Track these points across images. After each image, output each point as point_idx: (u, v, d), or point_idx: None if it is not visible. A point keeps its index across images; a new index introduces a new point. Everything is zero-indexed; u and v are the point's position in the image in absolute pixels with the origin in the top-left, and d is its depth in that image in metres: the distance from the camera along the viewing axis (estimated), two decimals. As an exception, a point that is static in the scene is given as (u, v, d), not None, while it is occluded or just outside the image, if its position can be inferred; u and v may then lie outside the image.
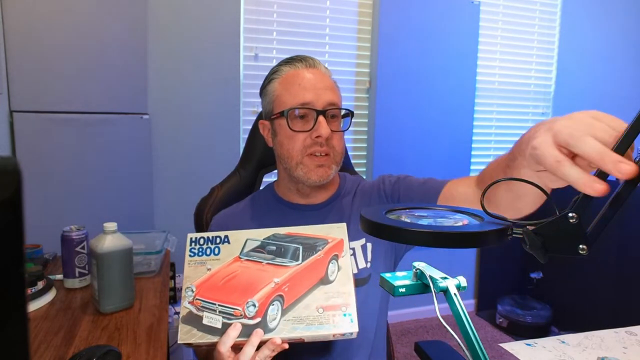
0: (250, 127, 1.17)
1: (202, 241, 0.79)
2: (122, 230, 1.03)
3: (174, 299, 1.79)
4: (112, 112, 1.90)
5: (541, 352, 0.87)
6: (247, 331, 0.69)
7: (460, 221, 0.44)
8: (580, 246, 0.39)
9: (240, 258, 0.77)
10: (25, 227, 0.25)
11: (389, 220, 0.40)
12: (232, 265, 0.76)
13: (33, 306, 1.00)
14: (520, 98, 2.82)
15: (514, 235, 0.41)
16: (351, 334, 0.71)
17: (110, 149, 1.90)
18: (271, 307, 0.71)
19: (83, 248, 1.12)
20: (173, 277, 1.75)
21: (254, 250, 0.78)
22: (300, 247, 0.77)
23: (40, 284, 1.04)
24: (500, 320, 2.56)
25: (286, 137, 0.87)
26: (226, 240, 0.79)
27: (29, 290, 1.01)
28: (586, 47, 2.89)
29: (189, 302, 0.73)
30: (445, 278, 0.53)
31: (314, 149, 0.85)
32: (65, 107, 1.83)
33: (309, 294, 0.73)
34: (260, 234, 0.79)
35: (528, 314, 2.46)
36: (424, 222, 0.42)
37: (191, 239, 0.79)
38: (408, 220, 0.42)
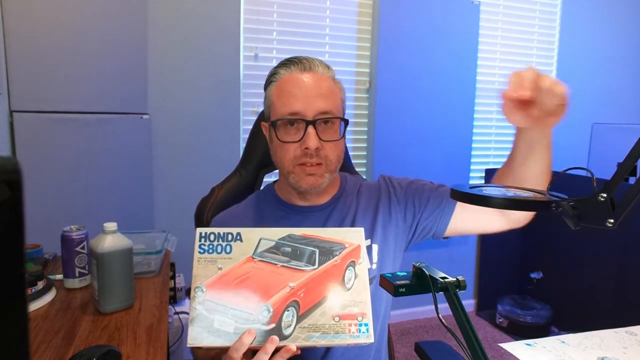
0: (250, 127, 1.17)
1: (212, 237, 0.74)
2: (122, 230, 1.03)
3: (174, 299, 1.79)
4: (112, 112, 1.90)
5: (541, 352, 0.87)
6: (260, 337, 0.67)
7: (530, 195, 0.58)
8: (609, 220, 0.47)
9: (254, 258, 0.73)
10: (25, 227, 0.25)
11: (481, 191, 0.53)
12: (245, 265, 0.73)
13: (33, 306, 1.00)
14: (520, 98, 2.81)
15: (559, 208, 0.51)
16: (365, 343, 0.70)
17: (110, 149, 1.90)
18: (286, 312, 0.68)
19: (83, 248, 1.12)
20: (173, 277, 1.75)
21: (268, 250, 0.74)
22: (317, 251, 0.74)
23: (40, 284, 1.04)
24: (500, 320, 2.56)
25: (278, 146, 0.86)
26: (238, 237, 0.74)
27: (29, 290, 1.01)
28: (586, 47, 2.89)
29: (199, 303, 0.69)
30: (445, 278, 0.53)
31: (303, 159, 0.83)
32: (65, 107, 1.83)
33: (325, 301, 0.70)
34: (275, 234, 0.76)
35: (528, 314, 2.46)
36: (510, 193, 0.56)
37: (200, 234, 0.74)
38: (493, 193, 0.55)
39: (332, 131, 0.85)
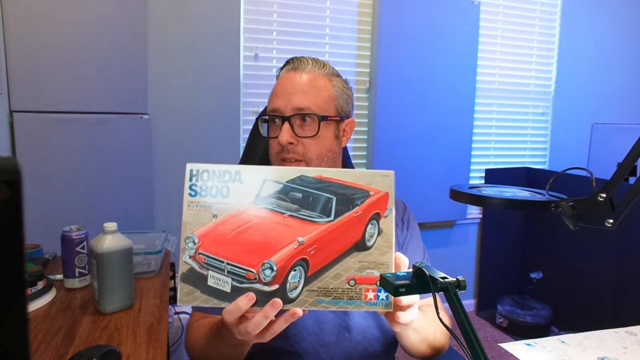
0: (250, 127, 1.17)
1: (205, 176, 0.61)
2: (122, 230, 1.03)
3: (174, 299, 1.79)
4: (112, 112, 1.90)
5: (541, 352, 0.87)
6: (261, 299, 0.58)
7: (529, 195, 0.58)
8: (608, 220, 0.47)
9: (256, 205, 0.61)
10: (25, 227, 0.25)
11: (480, 191, 0.55)
12: (245, 213, 0.61)
13: (33, 306, 1.00)
14: (520, 98, 2.82)
15: (558, 208, 0.51)
16: (383, 312, 0.63)
17: (110, 149, 1.90)
18: (292, 273, 0.59)
19: (83, 248, 1.12)
20: (173, 277, 1.75)
21: (273, 195, 0.61)
22: (334, 199, 0.61)
23: (40, 284, 1.04)
24: (500, 320, 2.56)
25: (268, 141, 0.90)
26: (237, 178, 0.61)
27: (29, 290, 1.01)
28: (586, 47, 2.89)
29: (190, 257, 0.60)
30: (445, 278, 0.53)
31: (282, 155, 0.85)
32: (65, 107, 1.83)
33: (340, 261, 0.60)
34: (283, 175, 0.62)
35: (528, 314, 2.46)
36: (508, 194, 0.57)
37: (191, 171, 0.61)
38: (491, 193, 0.56)
39: (310, 128, 0.85)
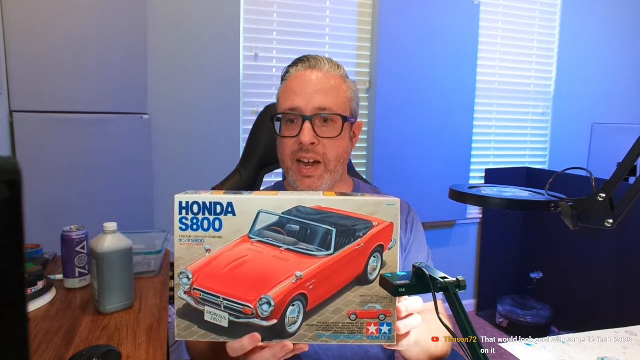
0: (250, 127, 1.17)
1: (196, 208, 0.58)
2: (122, 230, 1.03)
3: (174, 299, 1.79)
4: (112, 112, 1.90)
5: (541, 352, 0.87)
6: (261, 333, 0.57)
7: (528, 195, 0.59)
8: (608, 220, 0.47)
9: (251, 238, 0.59)
10: (25, 227, 0.25)
11: (479, 192, 0.55)
12: (240, 247, 0.58)
13: (33, 306, 1.00)
14: (520, 98, 2.82)
15: (558, 208, 0.51)
16: (384, 345, 0.61)
17: (110, 149, 1.90)
18: (291, 308, 0.57)
19: (83, 248, 1.12)
20: (173, 277, 1.75)
21: (269, 228, 0.59)
22: (334, 231, 0.58)
23: (40, 284, 1.04)
24: (500, 320, 2.56)
25: (278, 141, 0.88)
26: (230, 210, 0.58)
27: (29, 290, 1.01)
28: (586, 47, 2.89)
29: (185, 292, 0.59)
30: (445, 278, 0.53)
31: (300, 155, 0.83)
32: (65, 107, 1.83)
33: (340, 295, 0.58)
34: (279, 205, 0.58)
35: (528, 314, 2.46)
36: (508, 194, 0.57)
37: (180, 203, 0.58)
38: (491, 193, 0.56)
39: (331, 128, 0.84)
